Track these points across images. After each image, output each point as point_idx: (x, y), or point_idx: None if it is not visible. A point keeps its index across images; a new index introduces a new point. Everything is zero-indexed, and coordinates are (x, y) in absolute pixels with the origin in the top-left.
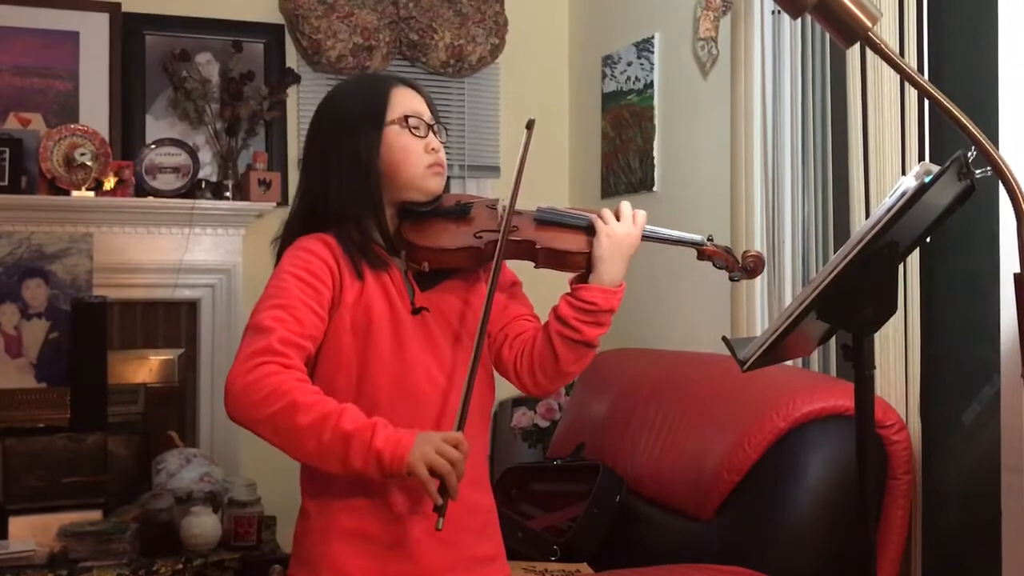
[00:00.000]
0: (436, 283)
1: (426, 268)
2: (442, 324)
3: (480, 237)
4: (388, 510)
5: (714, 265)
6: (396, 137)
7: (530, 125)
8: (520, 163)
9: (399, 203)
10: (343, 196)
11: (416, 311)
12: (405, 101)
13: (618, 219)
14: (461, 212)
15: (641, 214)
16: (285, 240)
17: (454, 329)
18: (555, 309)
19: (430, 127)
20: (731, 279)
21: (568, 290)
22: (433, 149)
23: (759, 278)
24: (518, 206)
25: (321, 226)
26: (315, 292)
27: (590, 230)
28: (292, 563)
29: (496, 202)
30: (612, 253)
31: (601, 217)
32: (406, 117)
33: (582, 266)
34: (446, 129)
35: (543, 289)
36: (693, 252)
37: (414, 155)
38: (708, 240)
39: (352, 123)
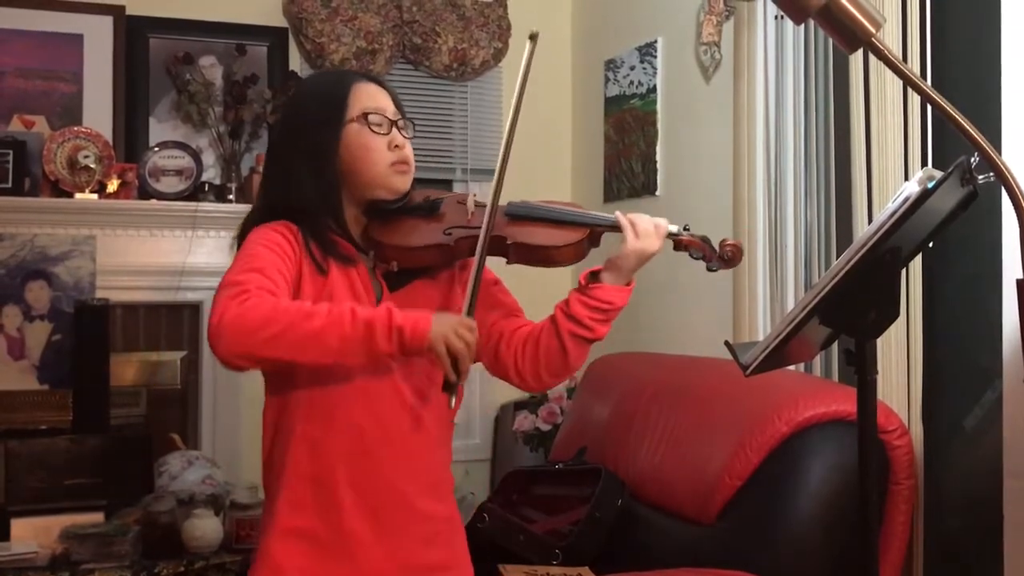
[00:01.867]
0: (405, 283)
1: (395, 267)
2: None
3: (450, 234)
4: (330, 508)
5: (691, 256)
6: (356, 135)
7: (533, 37)
8: (522, 79)
9: (366, 202)
10: (303, 194)
11: None
12: (366, 98)
13: (636, 233)
14: (430, 209)
15: (663, 224)
16: (243, 234)
17: None
18: (565, 307)
19: (394, 123)
20: (709, 269)
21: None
22: (397, 146)
23: (762, 284)
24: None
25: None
26: (283, 262)
27: (565, 224)
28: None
29: (467, 197)
30: (633, 266)
31: (622, 227)
32: (366, 114)
33: (555, 262)
34: (413, 124)
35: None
36: (671, 245)
37: (375, 153)
38: (684, 229)
39: (312, 120)
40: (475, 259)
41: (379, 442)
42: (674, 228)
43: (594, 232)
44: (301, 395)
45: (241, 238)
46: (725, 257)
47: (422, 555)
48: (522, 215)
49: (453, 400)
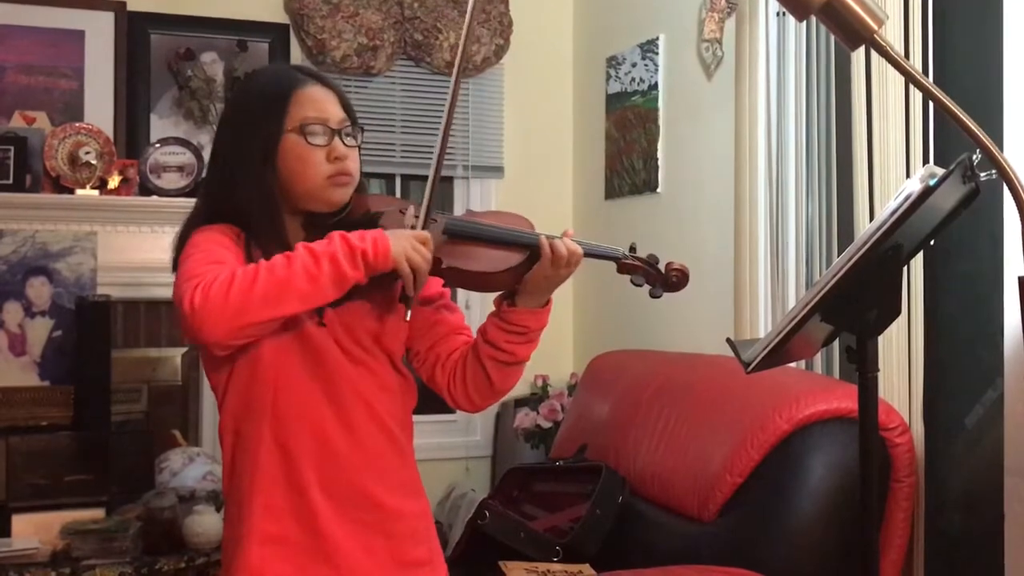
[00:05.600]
0: (346, 300)
1: None
2: (355, 335)
3: None
4: (306, 513)
5: (632, 282)
6: (292, 146)
7: None
8: (462, 42)
9: (303, 213)
10: (242, 199)
11: (322, 324)
12: (308, 104)
13: (553, 257)
14: (369, 224)
15: (577, 253)
16: (183, 236)
17: (369, 337)
18: (483, 332)
19: (336, 132)
20: (652, 295)
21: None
22: (337, 157)
23: (763, 281)
24: (430, 214)
25: (224, 221)
26: (235, 257)
27: (503, 244)
28: (221, 571)
29: (408, 206)
30: (546, 289)
31: (543, 252)
32: (303, 125)
33: (491, 287)
34: (363, 129)
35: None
36: (615, 266)
37: (312, 167)
38: (629, 252)
39: (252, 123)
40: (431, 173)
41: (343, 443)
42: (618, 251)
43: (531, 255)
44: (264, 400)
45: (183, 238)
46: (671, 281)
47: (399, 552)
48: (460, 233)
49: (408, 313)
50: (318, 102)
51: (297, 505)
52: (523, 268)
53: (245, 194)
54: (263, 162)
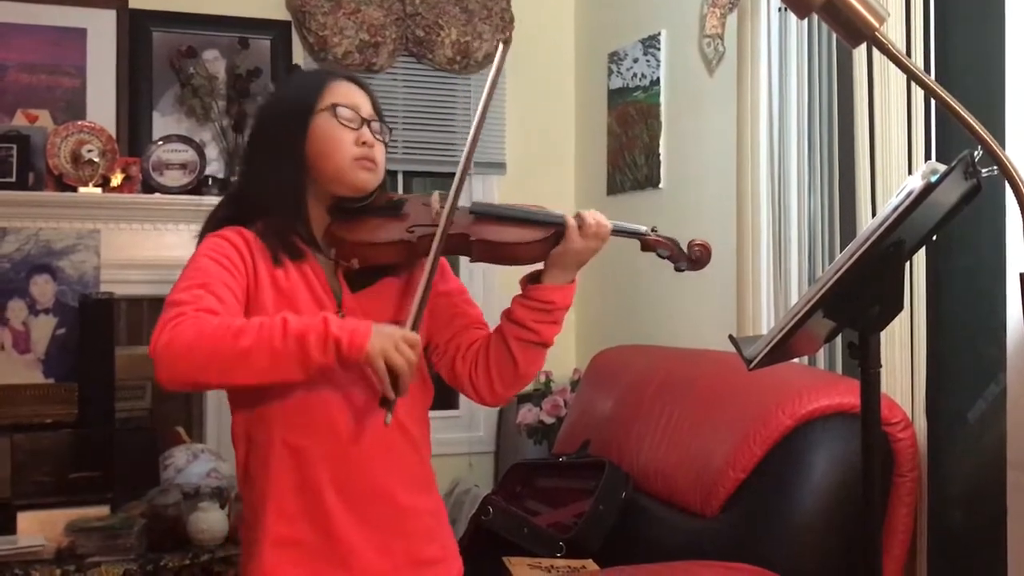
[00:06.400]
0: (367, 284)
1: (355, 265)
2: None
3: (412, 231)
4: (320, 516)
5: (658, 255)
6: (323, 125)
7: (507, 41)
8: (490, 85)
9: (329, 199)
10: (268, 187)
11: (341, 315)
12: (340, 93)
13: (581, 229)
14: (393, 209)
15: (606, 227)
16: (205, 230)
17: None
18: (508, 313)
19: (367, 122)
20: (676, 269)
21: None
22: (364, 143)
23: (765, 277)
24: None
25: (244, 218)
26: (232, 276)
27: (528, 223)
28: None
29: (430, 197)
30: (572, 263)
31: (567, 226)
32: (335, 105)
33: (519, 259)
34: (391, 130)
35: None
36: (638, 245)
37: (340, 146)
38: (652, 230)
39: (284, 111)
40: (424, 272)
41: (358, 442)
42: (642, 228)
43: (557, 232)
44: (275, 404)
45: (202, 236)
46: (693, 257)
47: (414, 551)
48: (486, 213)
49: (389, 416)
50: (351, 94)
51: (310, 507)
52: (551, 242)
53: (273, 183)
54: (292, 143)
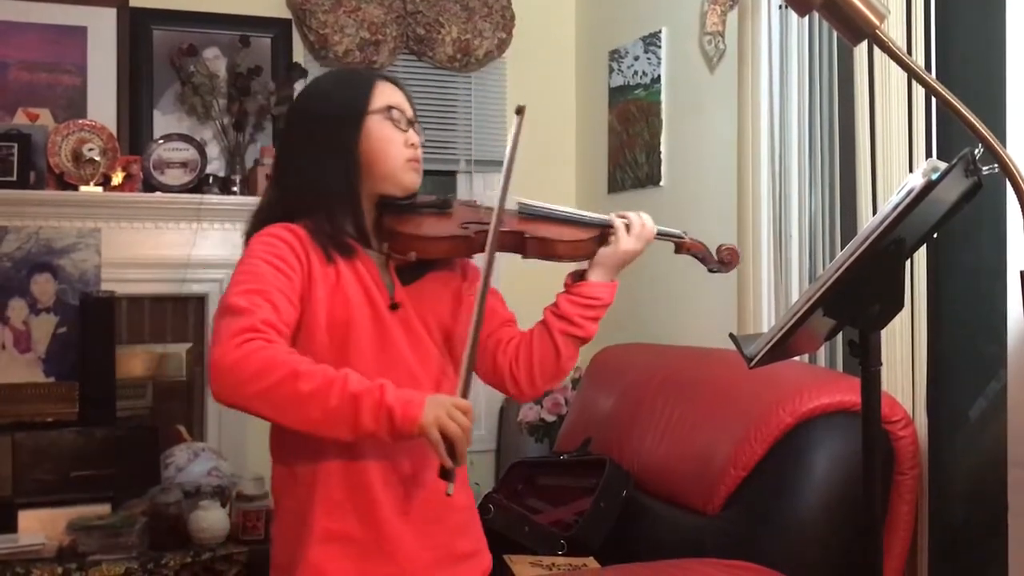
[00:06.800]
0: (417, 278)
1: (413, 257)
2: (425, 320)
3: (467, 227)
4: (368, 510)
5: (694, 256)
6: (378, 126)
7: (520, 111)
8: (511, 152)
9: (377, 197)
10: (320, 186)
11: (394, 306)
12: (388, 94)
13: (629, 231)
14: (442, 206)
15: (651, 229)
16: (254, 229)
17: (437, 325)
18: (555, 308)
19: (411, 123)
20: (709, 271)
21: (560, 292)
22: (412, 144)
23: (766, 275)
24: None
25: (292, 218)
26: (287, 279)
27: (575, 223)
28: (271, 567)
29: (475, 202)
30: (618, 263)
31: (615, 227)
32: (389, 108)
33: (570, 256)
34: (423, 130)
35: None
36: (672, 247)
37: (395, 146)
38: (684, 234)
39: (334, 112)
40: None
41: None
42: (678, 232)
43: (603, 232)
44: None
45: (249, 235)
46: (724, 260)
47: (454, 545)
48: (535, 214)
49: (451, 487)
50: (395, 95)
51: (359, 501)
52: (597, 241)
53: (327, 181)
54: (347, 144)
